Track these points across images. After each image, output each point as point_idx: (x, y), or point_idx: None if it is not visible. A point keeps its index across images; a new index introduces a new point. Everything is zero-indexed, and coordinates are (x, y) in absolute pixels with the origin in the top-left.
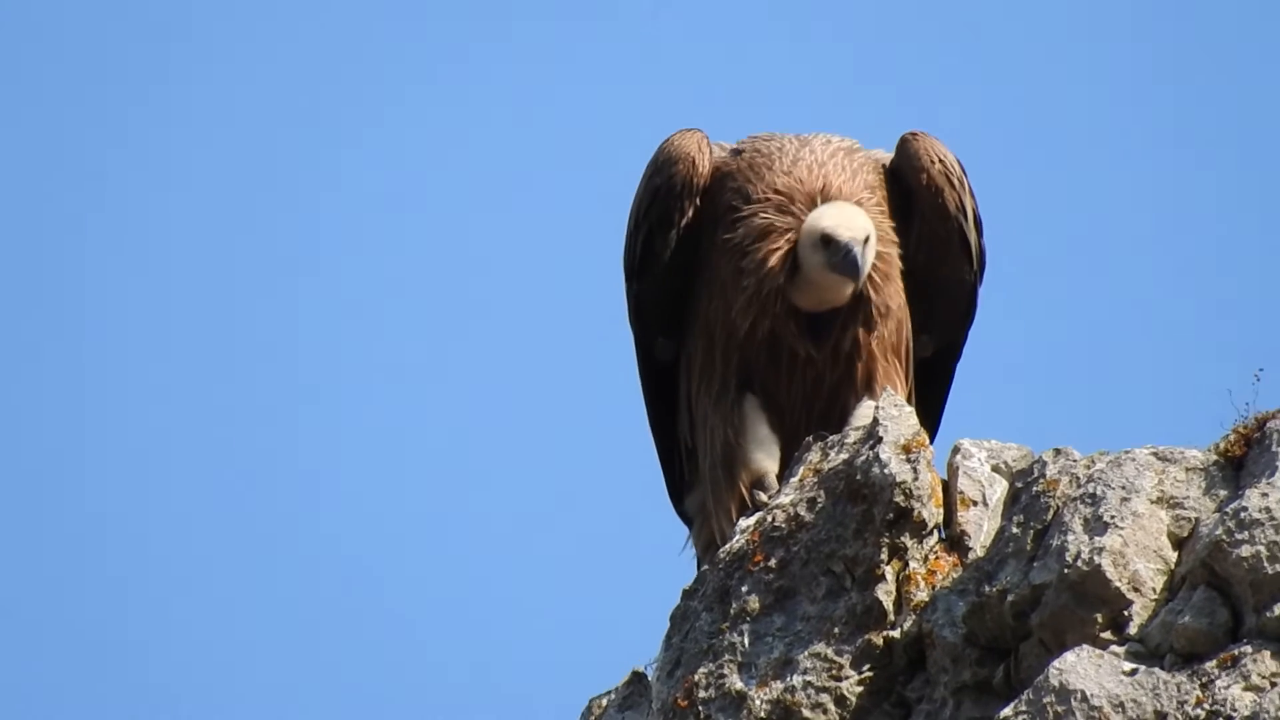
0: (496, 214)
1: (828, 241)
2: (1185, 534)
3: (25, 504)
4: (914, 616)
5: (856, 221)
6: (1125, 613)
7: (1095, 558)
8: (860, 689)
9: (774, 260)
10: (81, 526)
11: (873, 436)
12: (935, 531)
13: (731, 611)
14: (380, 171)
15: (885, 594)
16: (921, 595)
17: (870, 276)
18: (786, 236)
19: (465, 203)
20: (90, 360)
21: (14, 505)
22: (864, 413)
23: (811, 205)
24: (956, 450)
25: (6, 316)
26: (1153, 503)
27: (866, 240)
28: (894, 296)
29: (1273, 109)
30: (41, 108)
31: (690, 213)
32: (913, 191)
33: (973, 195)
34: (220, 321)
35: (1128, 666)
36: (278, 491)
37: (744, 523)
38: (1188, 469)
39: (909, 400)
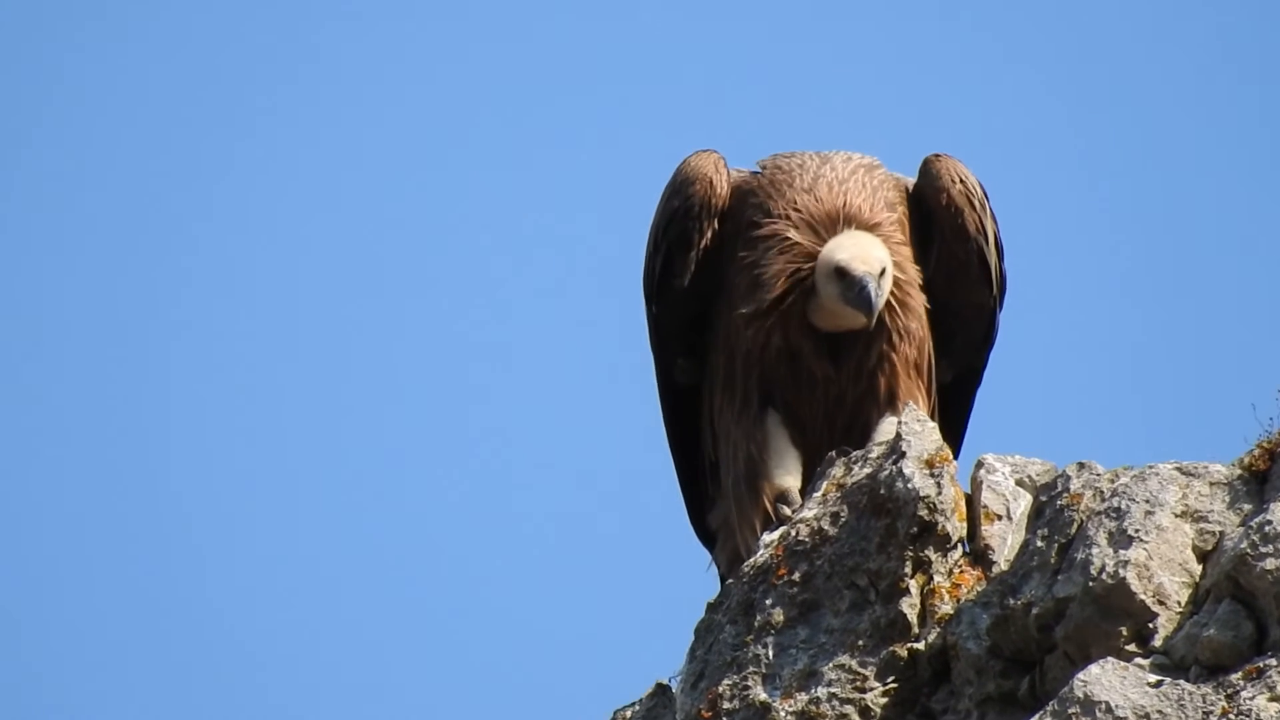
0: (513, 228)
1: (843, 274)
2: (1210, 547)
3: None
4: (938, 629)
5: (873, 254)
6: (1150, 625)
7: (1120, 571)
8: (885, 700)
9: (778, 270)
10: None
11: (896, 451)
12: (959, 545)
13: (756, 624)
14: (399, 184)
15: (909, 607)
16: (946, 608)
17: (889, 301)
18: (797, 251)
19: (486, 218)
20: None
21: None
22: (887, 428)
23: (831, 224)
24: (980, 465)
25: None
26: (1177, 516)
27: (883, 273)
28: (913, 318)
29: None
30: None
31: (709, 234)
32: (933, 213)
33: (994, 219)
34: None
35: (1152, 678)
36: (305, 494)
37: (768, 537)
38: (1212, 483)
39: (931, 416)
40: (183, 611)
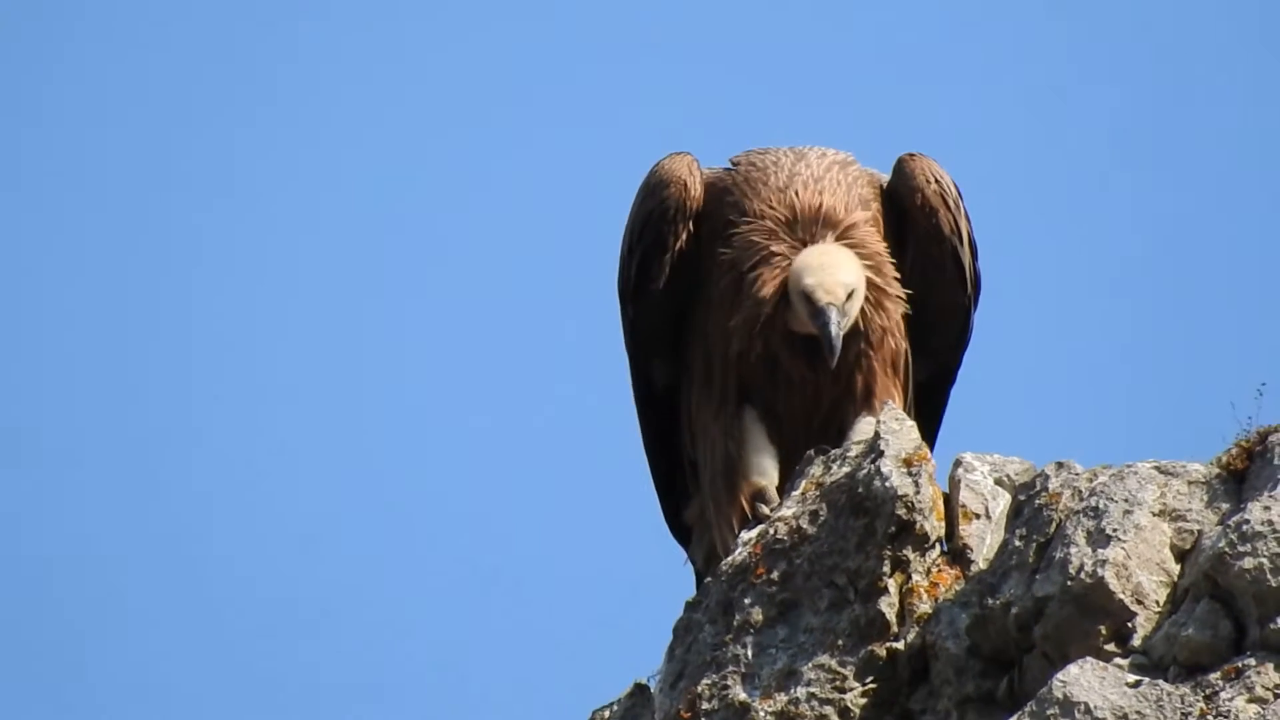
0: (492, 223)
1: (808, 300)
2: (1188, 546)
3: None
4: (917, 628)
5: (839, 277)
6: (1129, 625)
7: (1098, 570)
8: (864, 700)
9: (768, 289)
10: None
11: (874, 450)
12: (938, 544)
13: (735, 623)
14: (378, 182)
15: (888, 606)
16: (925, 607)
17: (866, 302)
18: (781, 264)
19: (466, 214)
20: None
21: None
22: (864, 427)
23: (809, 223)
24: (958, 464)
25: None
26: (1155, 515)
27: (850, 296)
28: (891, 317)
29: (1272, 120)
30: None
31: (684, 235)
32: (908, 213)
33: (968, 218)
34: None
35: (1131, 678)
36: (283, 497)
37: (746, 535)
38: (1190, 482)
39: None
40: (178, 610)
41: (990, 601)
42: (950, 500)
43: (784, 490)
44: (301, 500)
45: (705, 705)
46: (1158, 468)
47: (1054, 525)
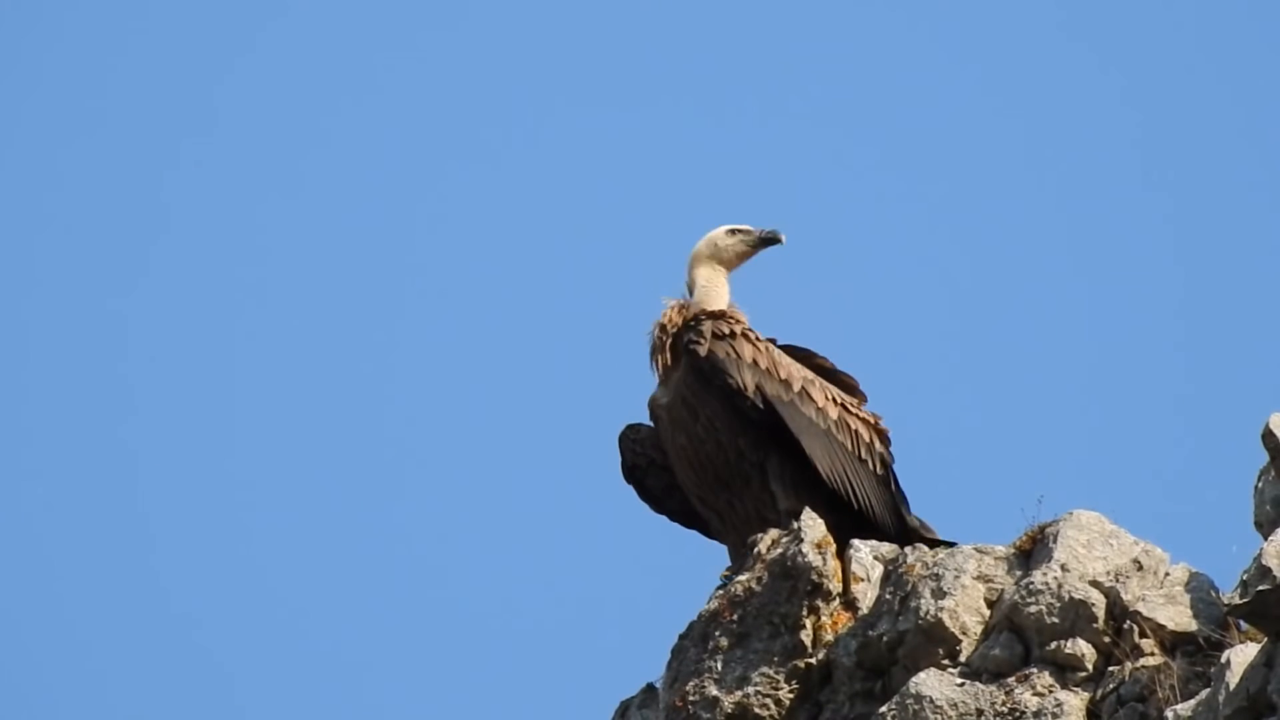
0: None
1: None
2: (995, 599)
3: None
4: (825, 650)
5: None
6: (957, 648)
7: (939, 614)
8: (791, 696)
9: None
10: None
11: (797, 538)
12: (837, 598)
13: (709, 647)
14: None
15: (806, 637)
16: (829, 637)
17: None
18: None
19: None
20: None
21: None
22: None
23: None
24: (851, 546)
25: None
26: (974, 579)
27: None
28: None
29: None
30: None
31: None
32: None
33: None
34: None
35: (959, 681)
36: (305, 495)
37: (717, 592)
38: (996, 558)
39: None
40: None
41: (870, 633)
42: (845, 569)
43: (743, 567)
44: (325, 499)
45: (692, 698)
46: (976, 548)
47: (911, 585)
